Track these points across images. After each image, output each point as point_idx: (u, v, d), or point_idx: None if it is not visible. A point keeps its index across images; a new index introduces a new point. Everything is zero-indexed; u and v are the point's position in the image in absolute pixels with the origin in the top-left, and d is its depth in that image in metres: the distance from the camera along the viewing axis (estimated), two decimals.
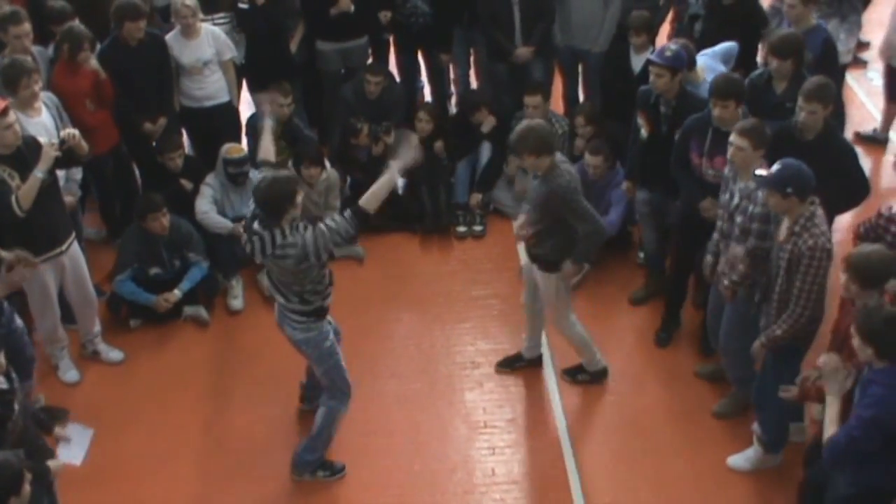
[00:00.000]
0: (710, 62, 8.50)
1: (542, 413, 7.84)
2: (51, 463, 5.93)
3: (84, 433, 6.48)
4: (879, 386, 5.31)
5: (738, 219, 6.79)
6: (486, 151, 10.05)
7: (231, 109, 9.73)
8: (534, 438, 7.65)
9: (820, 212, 6.22)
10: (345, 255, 9.21)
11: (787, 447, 7.11)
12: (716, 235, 7.14)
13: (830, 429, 5.50)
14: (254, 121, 9.74)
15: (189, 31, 9.19)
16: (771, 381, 6.66)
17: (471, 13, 10.06)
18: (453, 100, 11.17)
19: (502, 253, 9.55)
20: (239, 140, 9.67)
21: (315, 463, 7.30)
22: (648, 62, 8.05)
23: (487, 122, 9.88)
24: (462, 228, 9.85)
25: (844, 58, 9.51)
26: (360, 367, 8.11)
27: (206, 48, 9.27)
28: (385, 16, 10.20)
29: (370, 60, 10.39)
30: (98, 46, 8.75)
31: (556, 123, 9.59)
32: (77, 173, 8.30)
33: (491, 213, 10.01)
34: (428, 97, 11.20)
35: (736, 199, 6.81)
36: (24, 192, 7.10)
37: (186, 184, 9.12)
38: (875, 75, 11.30)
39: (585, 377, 8.01)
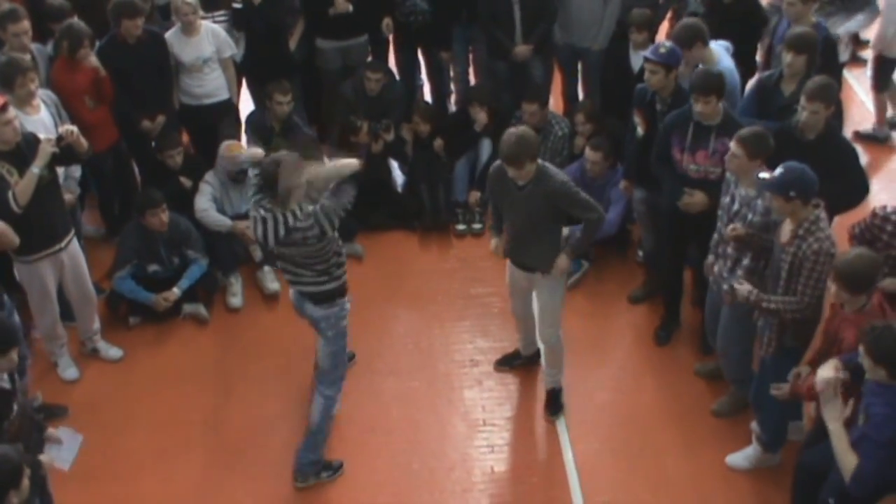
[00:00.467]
0: (721, 48, 8.46)
1: (541, 411, 7.83)
2: (42, 457, 5.92)
3: (74, 438, 6.45)
4: (887, 406, 5.36)
5: (738, 225, 6.79)
6: (486, 149, 10.04)
7: (230, 107, 9.74)
8: (533, 436, 7.66)
9: (824, 215, 6.22)
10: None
11: (786, 446, 7.12)
12: (716, 236, 7.13)
13: (846, 459, 5.51)
14: (253, 118, 9.75)
15: (189, 29, 9.19)
16: (769, 381, 6.66)
17: (470, 11, 10.05)
18: (453, 98, 11.15)
19: None
20: (238, 138, 9.66)
21: (318, 464, 7.29)
22: (644, 59, 8.05)
23: (479, 120, 9.87)
24: (461, 226, 9.85)
25: (843, 56, 9.52)
26: (358, 364, 8.17)
27: (207, 46, 9.27)
28: (388, 25, 10.24)
29: (370, 58, 10.38)
30: (97, 44, 8.74)
31: (557, 125, 9.60)
32: (76, 171, 8.31)
33: (490, 211, 9.99)
34: (427, 95, 11.18)
35: (736, 206, 6.82)
36: (21, 189, 7.10)
37: (186, 181, 9.12)
38: None
39: (563, 398, 7.88)
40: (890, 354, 5.31)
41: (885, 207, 6.70)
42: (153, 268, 8.68)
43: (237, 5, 9.63)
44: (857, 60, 11.91)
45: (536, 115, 9.43)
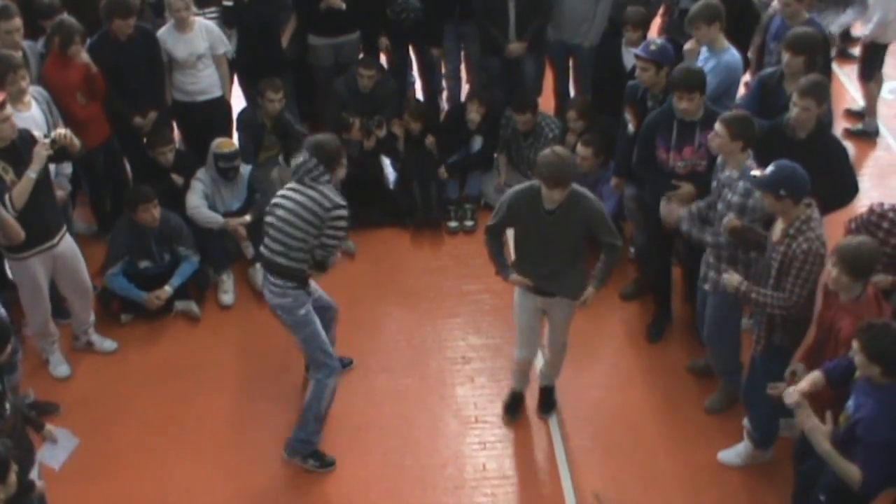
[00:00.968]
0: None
1: (533, 408, 7.84)
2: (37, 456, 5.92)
3: (70, 440, 6.45)
4: (871, 400, 5.38)
5: (719, 206, 6.84)
6: (477, 145, 10.07)
7: (223, 104, 9.72)
8: (524, 433, 7.67)
9: (817, 215, 6.22)
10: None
11: (777, 442, 7.13)
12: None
13: (848, 470, 5.52)
14: (244, 115, 9.74)
15: (182, 25, 9.17)
16: (760, 379, 6.67)
17: (461, 8, 10.05)
18: (444, 94, 11.15)
19: None
20: (230, 135, 9.66)
21: (307, 446, 7.33)
22: (635, 56, 8.07)
23: (474, 119, 9.86)
24: (453, 223, 9.85)
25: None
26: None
27: (200, 42, 9.26)
28: (385, 44, 10.38)
29: (361, 55, 10.38)
30: (88, 41, 8.72)
31: (547, 128, 9.62)
32: (67, 168, 8.30)
33: (482, 209, 10.01)
34: (419, 92, 11.18)
35: (715, 184, 6.88)
36: (18, 193, 7.11)
37: (177, 178, 9.11)
38: None
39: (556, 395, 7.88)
40: (886, 353, 5.30)
41: (882, 204, 6.70)
42: (145, 264, 8.68)
43: (228, 3, 9.63)
44: (846, 57, 11.94)
45: (529, 123, 9.51)
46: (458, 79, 10.88)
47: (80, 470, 6.97)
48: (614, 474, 7.29)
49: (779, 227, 6.28)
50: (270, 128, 9.47)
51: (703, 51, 8.38)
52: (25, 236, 7.27)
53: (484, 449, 7.55)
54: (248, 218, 8.92)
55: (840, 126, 10.47)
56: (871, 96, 10.72)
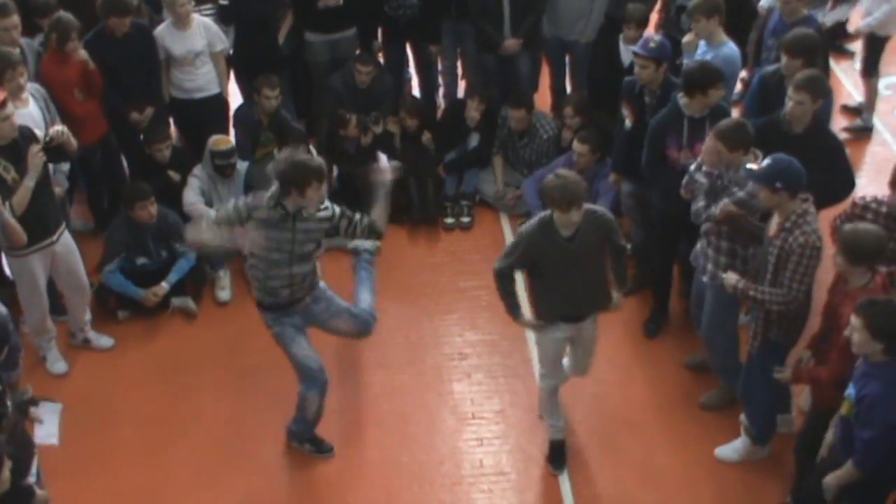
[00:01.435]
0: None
1: (530, 404, 7.83)
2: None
3: (53, 408, 6.44)
4: (877, 381, 5.35)
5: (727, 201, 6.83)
6: (474, 142, 10.07)
7: (220, 101, 9.72)
8: (522, 430, 7.67)
9: (813, 209, 6.23)
10: (332, 246, 9.21)
11: (775, 438, 7.14)
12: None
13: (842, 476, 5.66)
14: (241, 112, 9.74)
15: (183, 21, 9.18)
16: (757, 375, 6.69)
17: (458, 4, 10.04)
18: (441, 91, 11.15)
19: (490, 244, 9.55)
20: (227, 132, 9.65)
21: (303, 434, 7.42)
22: (633, 54, 8.07)
23: (473, 116, 9.87)
24: (450, 220, 9.85)
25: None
26: (347, 358, 8.17)
27: (198, 39, 9.27)
28: (378, 46, 10.45)
29: (358, 52, 10.37)
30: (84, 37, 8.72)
31: (542, 129, 9.64)
32: (64, 165, 8.29)
33: (478, 205, 10.02)
34: (416, 89, 11.17)
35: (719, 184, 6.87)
36: (17, 201, 7.15)
37: (174, 175, 9.11)
38: None
39: None
40: (889, 329, 5.28)
41: (863, 197, 6.74)
42: (141, 261, 8.67)
43: (224, 2, 9.62)
44: (843, 52, 11.95)
45: (524, 120, 9.52)
46: (455, 76, 10.87)
47: (76, 466, 6.98)
48: (611, 470, 7.30)
49: (775, 221, 6.29)
50: (267, 125, 9.48)
51: (702, 44, 8.40)
52: (26, 234, 7.27)
53: (481, 445, 7.55)
54: None
55: (837, 122, 10.45)
56: (873, 92, 10.70)
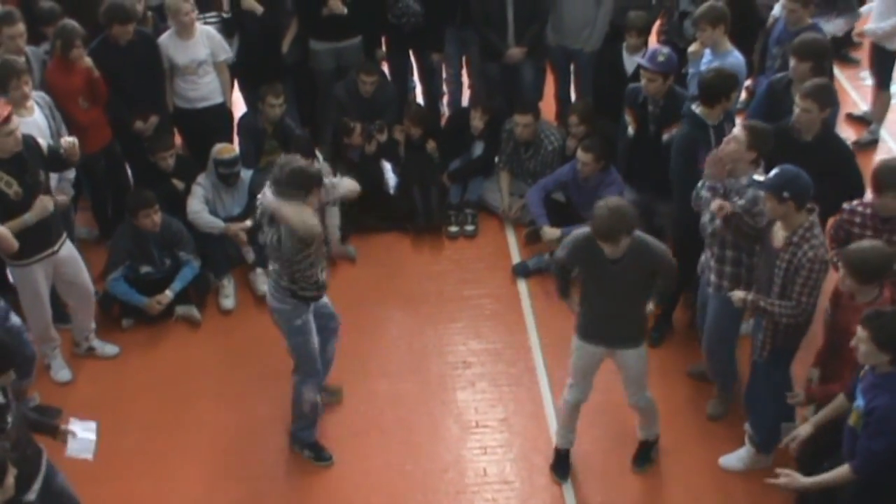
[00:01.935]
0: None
1: (534, 413, 7.84)
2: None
3: (87, 426, 6.38)
4: (887, 392, 5.34)
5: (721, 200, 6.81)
6: (478, 151, 10.08)
7: (224, 110, 9.72)
8: (526, 438, 7.66)
9: (818, 221, 6.22)
10: (336, 254, 9.23)
11: (778, 447, 7.12)
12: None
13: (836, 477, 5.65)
14: (245, 120, 9.75)
15: (186, 30, 9.18)
16: (761, 383, 6.69)
17: (463, 13, 10.05)
18: (445, 99, 11.15)
19: (494, 253, 9.56)
20: (231, 140, 9.65)
21: (305, 438, 7.42)
22: (640, 68, 8.06)
23: (477, 126, 9.87)
24: (454, 228, 9.85)
25: None
26: (351, 366, 8.16)
27: (202, 48, 9.27)
28: (381, 55, 10.42)
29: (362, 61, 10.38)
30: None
31: (547, 140, 9.63)
32: (70, 172, 8.28)
33: (482, 214, 10.01)
34: (420, 97, 11.17)
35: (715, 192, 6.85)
36: (11, 227, 7.14)
37: (178, 183, 9.12)
38: (867, 74, 11.28)
39: (655, 452, 7.44)
40: (894, 342, 5.28)
41: (851, 202, 6.76)
42: (145, 269, 8.68)
43: (226, 15, 9.63)
44: (848, 61, 11.94)
45: (530, 126, 9.50)
46: (459, 84, 10.89)
47: (80, 474, 6.93)
48: (615, 478, 7.29)
49: (780, 233, 6.26)
50: (271, 133, 9.49)
51: (707, 53, 8.40)
52: (27, 244, 7.29)
53: (485, 454, 7.54)
54: (248, 223, 8.91)
55: (842, 131, 10.44)
56: (883, 105, 10.67)
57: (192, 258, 8.79)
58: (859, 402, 5.52)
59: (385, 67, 10.59)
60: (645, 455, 7.38)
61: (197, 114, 9.51)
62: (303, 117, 10.39)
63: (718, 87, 7.41)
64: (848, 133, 10.65)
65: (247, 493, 7.27)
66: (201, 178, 9.07)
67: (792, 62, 7.64)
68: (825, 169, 6.45)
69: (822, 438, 6.12)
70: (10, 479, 5.18)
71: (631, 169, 8.58)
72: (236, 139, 9.78)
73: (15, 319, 7.07)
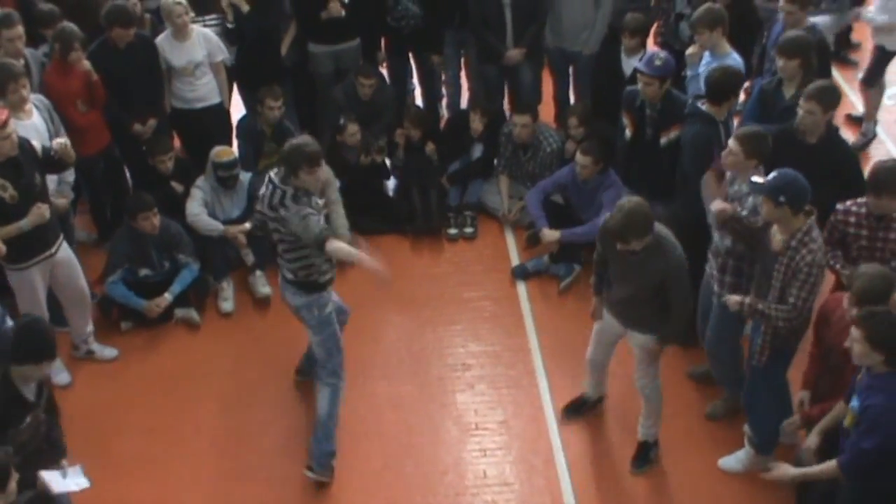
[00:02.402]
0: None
1: (533, 415, 7.84)
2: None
3: (80, 479, 6.25)
4: (881, 392, 5.33)
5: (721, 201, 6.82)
6: (477, 153, 10.07)
7: (222, 111, 9.73)
8: (525, 440, 7.66)
9: (816, 225, 6.21)
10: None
11: (778, 448, 7.11)
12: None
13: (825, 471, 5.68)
14: (244, 123, 9.75)
15: (181, 32, 9.18)
16: (760, 384, 6.68)
17: (461, 15, 10.05)
18: (444, 101, 11.16)
19: (493, 255, 9.56)
20: (229, 142, 9.66)
21: (334, 454, 7.32)
22: (638, 72, 8.07)
23: (476, 128, 9.87)
24: (453, 230, 9.84)
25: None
26: (350, 368, 8.07)
27: (198, 50, 9.27)
28: (382, 57, 10.44)
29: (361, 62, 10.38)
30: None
31: (545, 142, 9.63)
32: (70, 175, 8.28)
33: (482, 216, 10.01)
34: (419, 99, 11.17)
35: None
36: (3, 233, 7.15)
37: (177, 186, 9.12)
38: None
39: (654, 454, 7.44)
40: (889, 339, 5.28)
41: (844, 203, 6.76)
42: (144, 272, 8.68)
43: (229, 25, 9.63)
44: (847, 63, 11.94)
45: (529, 127, 9.50)
46: (458, 86, 10.89)
47: None
48: (615, 480, 7.29)
49: (778, 237, 6.24)
50: (270, 135, 9.48)
51: (706, 55, 8.40)
52: (25, 247, 7.29)
53: (484, 456, 7.54)
54: (247, 225, 8.91)
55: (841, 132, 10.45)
56: (872, 102, 10.69)
57: (192, 261, 8.78)
58: (854, 403, 5.53)
59: (384, 70, 10.59)
60: (644, 456, 7.39)
61: (195, 114, 9.52)
62: (302, 120, 10.39)
63: (725, 85, 7.44)
64: (847, 134, 10.62)
65: (246, 497, 7.26)
66: (200, 181, 9.07)
67: (780, 62, 7.65)
68: (830, 171, 6.44)
69: (823, 441, 6.11)
70: (13, 485, 5.18)
71: (628, 172, 8.57)
72: (235, 142, 9.79)
73: (11, 323, 7.05)
